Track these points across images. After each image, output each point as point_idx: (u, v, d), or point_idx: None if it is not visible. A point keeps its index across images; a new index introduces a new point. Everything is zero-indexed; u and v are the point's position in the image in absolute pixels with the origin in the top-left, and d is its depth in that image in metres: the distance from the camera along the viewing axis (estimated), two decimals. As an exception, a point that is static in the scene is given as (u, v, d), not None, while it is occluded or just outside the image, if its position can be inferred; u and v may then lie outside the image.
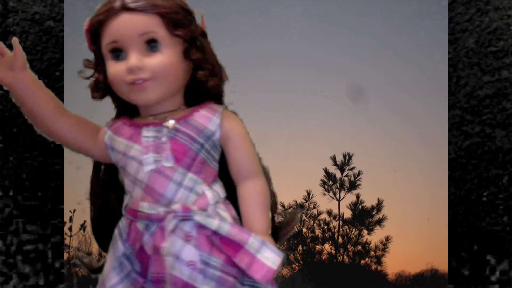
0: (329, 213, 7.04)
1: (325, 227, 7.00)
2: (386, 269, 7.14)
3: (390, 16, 6.75)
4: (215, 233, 1.08)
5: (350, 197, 7.03)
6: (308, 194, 6.99)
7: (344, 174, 6.94)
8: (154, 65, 1.09)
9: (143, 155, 1.10)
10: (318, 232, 7.00)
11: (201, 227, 1.08)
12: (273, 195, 1.21)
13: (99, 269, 1.21)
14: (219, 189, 1.15)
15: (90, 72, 1.18)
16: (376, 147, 7.70)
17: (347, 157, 6.95)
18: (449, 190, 2.19)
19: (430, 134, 7.02)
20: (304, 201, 6.93)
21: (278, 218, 1.22)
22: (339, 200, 6.97)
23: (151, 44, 1.09)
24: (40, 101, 1.11)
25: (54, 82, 2.36)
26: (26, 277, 2.15)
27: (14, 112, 2.28)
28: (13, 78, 1.08)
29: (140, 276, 1.09)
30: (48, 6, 2.35)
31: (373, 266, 7.04)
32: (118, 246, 1.11)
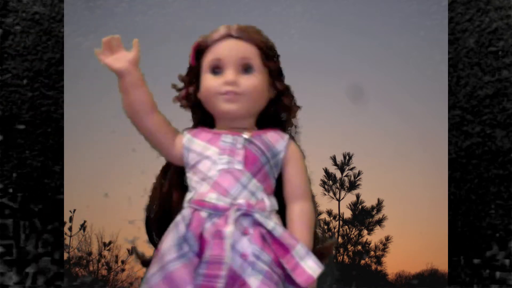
0: (329, 213, 7.04)
1: (325, 227, 7.00)
2: (386, 269, 7.14)
3: (390, 16, 6.75)
4: (269, 233, 1.24)
5: (350, 197, 7.04)
6: (308, 194, 6.98)
7: (344, 174, 6.95)
8: (246, 84, 1.32)
9: (219, 156, 1.30)
10: (318, 232, 7.00)
11: (257, 224, 1.24)
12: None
13: (147, 263, 1.34)
14: (274, 202, 1.31)
15: (181, 84, 1.39)
16: (376, 147, 7.71)
17: (347, 157, 6.96)
18: (449, 190, 2.19)
19: (430, 134, 7.02)
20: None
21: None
22: (339, 200, 6.98)
23: (246, 68, 1.33)
24: (141, 94, 1.32)
25: (54, 82, 2.36)
26: (26, 277, 2.15)
27: (14, 112, 2.28)
28: (128, 70, 1.30)
29: (196, 257, 1.22)
30: (48, 6, 2.36)
31: (373, 266, 7.05)
32: (180, 229, 1.25)
